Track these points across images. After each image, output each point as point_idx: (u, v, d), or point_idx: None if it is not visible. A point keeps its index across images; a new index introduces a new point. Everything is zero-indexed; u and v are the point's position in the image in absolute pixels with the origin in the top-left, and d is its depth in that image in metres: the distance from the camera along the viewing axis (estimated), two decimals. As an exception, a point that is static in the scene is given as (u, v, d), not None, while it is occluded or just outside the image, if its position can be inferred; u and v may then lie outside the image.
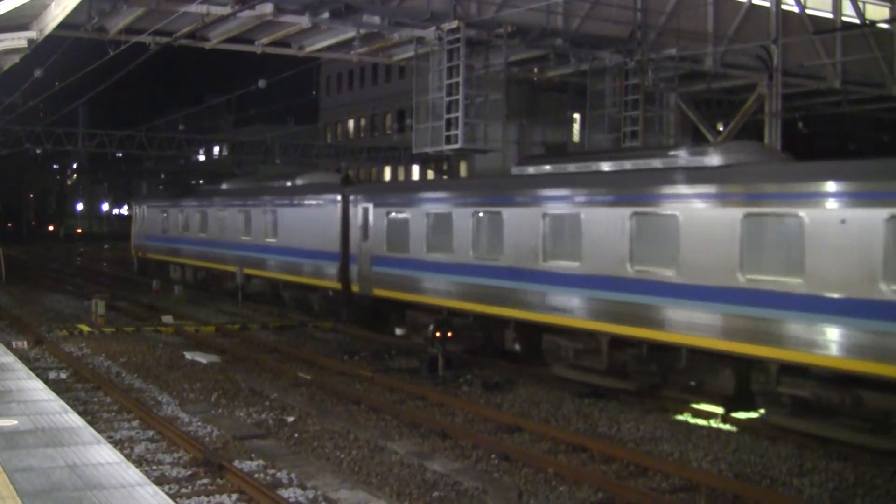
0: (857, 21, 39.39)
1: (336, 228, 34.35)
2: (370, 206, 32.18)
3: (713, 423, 19.81)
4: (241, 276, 39.54)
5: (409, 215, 29.98)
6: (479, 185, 30.18)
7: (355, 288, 32.86)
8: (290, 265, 37.79)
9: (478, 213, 26.97)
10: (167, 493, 11.27)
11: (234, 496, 14.25)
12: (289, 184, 41.05)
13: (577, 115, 73.28)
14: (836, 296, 17.09)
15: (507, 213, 25.68)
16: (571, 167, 25.23)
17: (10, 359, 20.32)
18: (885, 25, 39.09)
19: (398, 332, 30.94)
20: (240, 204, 43.60)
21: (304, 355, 28.33)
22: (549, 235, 24.23)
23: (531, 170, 26.60)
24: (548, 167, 26.16)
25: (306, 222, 36.80)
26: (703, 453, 17.45)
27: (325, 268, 35.08)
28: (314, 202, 36.66)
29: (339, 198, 34.55)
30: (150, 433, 18.26)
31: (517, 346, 25.66)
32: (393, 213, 31.09)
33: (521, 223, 25.10)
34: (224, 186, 48.87)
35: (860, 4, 39.47)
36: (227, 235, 44.15)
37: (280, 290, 39.60)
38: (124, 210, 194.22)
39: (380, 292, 31.30)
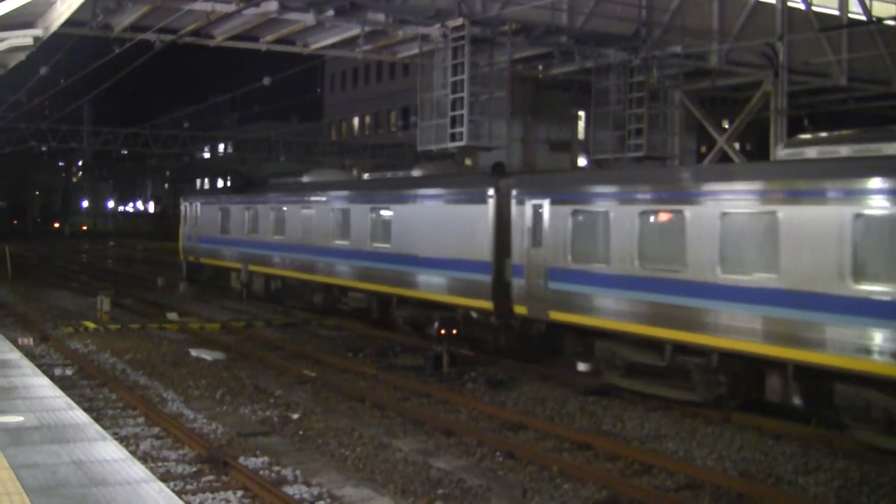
0: (863, 18, 39.36)
1: (486, 231, 26.65)
2: (545, 203, 24.82)
3: (718, 421, 19.78)
4: (246, 273, 39.50)
5: (614, 214, 22.58)
6: (732, 171, 24.22)
7: (520, 309, 25.24)
8: (408, 277, 29.91)
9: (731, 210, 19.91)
10: (172, 490, 11.28)
11: (239, 493, 14.25)
12: (401, 174, 33.58)
13: (581, 113, 73.26)
14: None
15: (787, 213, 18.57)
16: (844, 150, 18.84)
17: (16, 355, 20.34)
18: (891, 22, 39.00)
19: (582, 367, 24.83)
20: (333, 200, 35.10)
21: (309, 352, 28.33)
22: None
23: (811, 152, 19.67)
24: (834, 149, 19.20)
25: (436, 223, 29.04)
26: (707, 451, 17.44)
27: (466, 282, 27.31)
28: (449, 198, 28.95)
29: (491, 192, 26.73)
30: (156, 430, 18.26)
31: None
32: (582, 212, 23.83)
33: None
34: (307, 179, 39.50)
35: (866, 1, 39.43)
36: (316, 239, 35.73)
37: (392, 307, 31.60)
38: (129, 207, 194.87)
39: (560, 316, 23.91)
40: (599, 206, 23.32)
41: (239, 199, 43.82)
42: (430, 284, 29.03)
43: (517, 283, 25.36)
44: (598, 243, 23.05)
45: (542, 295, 24.46)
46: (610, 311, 22.40)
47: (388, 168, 34.21)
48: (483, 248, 26.72)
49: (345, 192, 34.89)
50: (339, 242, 34.07)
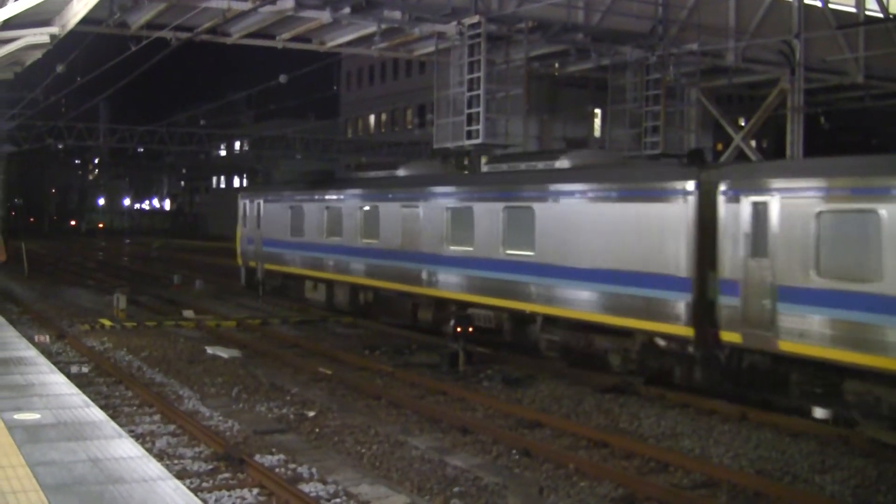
0: (880, 15, 39.23)
1: (682, 236, 21.35)
2: (772, 200, 19.57)
3: (734, 420, 19.72)
4: (262, 271, 39.50)
5: (886, 213, 17.38)
6: None
7: (730, 336, 20.17)
8: (560, 292, 24.50)
9: None
10: (188, 488, 11.27)
11: (255, 490, 14.26)
12: (541, 166, 27.15)
13: (598, 111, 73.22)
14: None
15: None
16: None
17: (33, 353, 20.38)
18: (908, 20, 38.92)
19: (820, 413, 19.79)
20: (447, 198, 29.19)
21: (325, 350, 28.34)
22: None
23: None
24: None
25: (602, 226, 23.44)
26: (724, 449, 17.39)
27: (650, 300, 21.94)
28: (624, 193, 23.28)
29: (689, 186, 21.28)
30: (172, 427, 18.29)
31: None
32: (839, 212, 18.43)
33: None
34: (404, 173, 33.22)
35: (883, -1, 39.34)
36: (424, 244, 29.80)
37: (533, 327, 25.82)
38: (145, 205, 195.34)
39: (796, 347, 18.77)
40: (870, 203, 17.82)
41: (316, 196, 37.17)
42: (594, 302, 23.48)
43: (726, 304, 20.26)
44: (864, 254, 17.86)
45: (768, 319, 19.29)
46: (877, 343, 17.35)
47: (543, 158, 27.60)
48: (677, 258, 21.35)
49: (465, 188, 28.91)
50: (457, 248, 28.29)
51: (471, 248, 27.66)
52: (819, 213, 18.47)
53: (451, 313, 27.57)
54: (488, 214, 27.17)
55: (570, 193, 24.55)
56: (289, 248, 38.67)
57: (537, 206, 25.32)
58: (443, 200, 29.19)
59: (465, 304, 27.71)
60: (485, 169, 30.09)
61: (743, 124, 46.81)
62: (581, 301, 23.77)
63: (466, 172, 34.36)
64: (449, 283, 28.64)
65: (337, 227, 34.90)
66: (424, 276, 29.64)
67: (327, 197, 36.16)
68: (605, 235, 23.16)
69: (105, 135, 72.25)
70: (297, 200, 38.64)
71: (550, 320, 24.96)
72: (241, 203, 44.57)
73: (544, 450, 16.96)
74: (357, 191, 34.17)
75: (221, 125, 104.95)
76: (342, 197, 35.03)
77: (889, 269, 17.11)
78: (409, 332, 31.23)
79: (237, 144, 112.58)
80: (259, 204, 42.17)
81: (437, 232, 29.18)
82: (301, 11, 30.08)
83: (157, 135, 71.40)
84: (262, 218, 41.77)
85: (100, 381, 22.88)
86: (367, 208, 33.24)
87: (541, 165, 26.92)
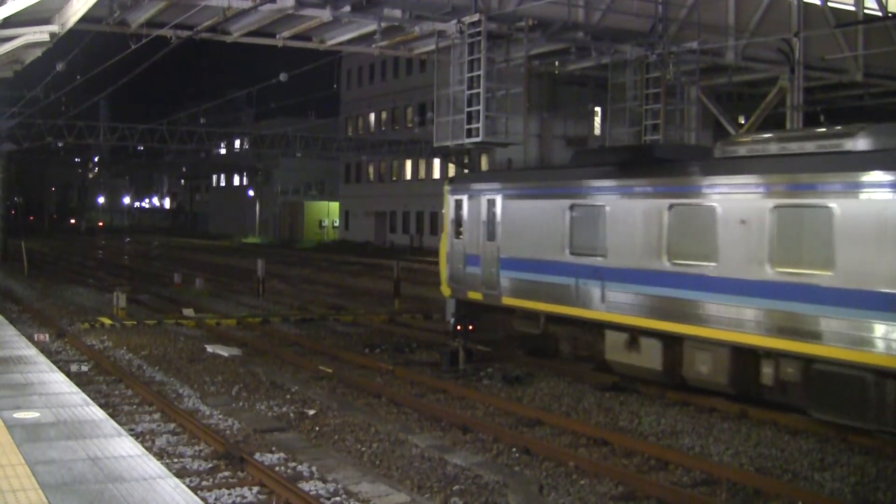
0: (879, 14, 39.22)
1: None
2: None
3: (734, 417, 19.73)
4: (263, 270, 39.41)
5: None
6: None
7: None
8: None
9: None
10: (188, 486, 11.29)
11: (255, 489, 14.26)
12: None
13: (598, 109, 73.24)
14: None
15: None
16: None
17: (32, 351, 20.41)
18: (907, 18, 38.90)
19: None
20: None
21: (325, 348, 28.37)
22: None
23: None
24: None
25: None
26: (724, 447, 17.41)
27: None
28: None
29: None
30: (172, 426, 18.29)
31: None
32: None
33: None
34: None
35: (882, -3, 39.33)
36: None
37: None
38: (145, 203, 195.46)
39: None
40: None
41: (637, 189, 22.66)
42: None
43: None
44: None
45: None
46: None
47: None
48: None
49: None
50: None
51: None
52: None
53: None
54: None
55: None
56: (565, 275, 24.16)
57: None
58: None
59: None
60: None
61: (743, 122, 46.79)
62: None
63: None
64: None
65: (701, 243, 20.61)
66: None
67: (675, 189, 21.63)
68: None
69: (105, 133, 72.16)
70: (586, 195, 24.09)
71: None
72: (450, 200, 29.44)
73: (544, 448, 16.97)
74: (764, 178, 19.62)
75: (221, 123, 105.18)
76: (726, 189, 20.27)
77: None
78: (409, 329, 31.18)
79: (237, 143, 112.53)
80: (494, 201, 27.29)
81: None
82: (301, 10, 30.06)
83: (157, 133, 71.37)
84: (500, 223, 26.98)
85: (99, 380, 22.89)
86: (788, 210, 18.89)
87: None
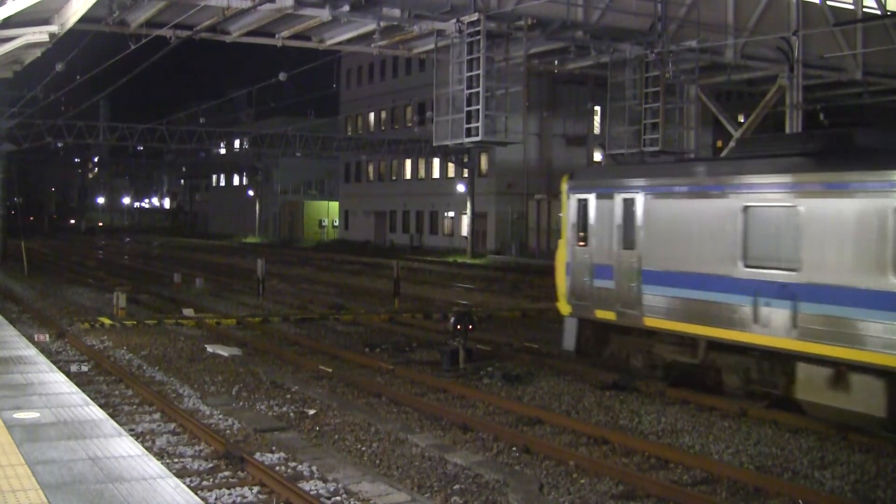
0: (878, 12, 39.25)
1: None
2: None
3: (734, 416, 19.74)
4: (263, 269, 39.41)
5: None
6: None
7: None
8: None
9: None
10: (188, 486, 11.30)
11: (256, 489, 14.26)
12: None
13: (597, 108, 73.37)
14: None
15: None
16: None
17: (32, 352, 20.42)
18: (906, 16, 38.90)
19: None
20: None
21: (325, 348, 28.36)
22: None
23: None
24: None
25: None
26: (724, 446, 17.42)
27: None
28: None
29: None
30: (172, 426, 18.29)
31: None
32: None
33: None
34: None
35: (880, -5, 39.34)
36: None
37: None
38: (145, 203, 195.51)
39: None
40: None
41: (829, 185, 18.60)
42: None
43: None
44: None
45: None
46: None
47: None
48: None
49: None
50: None
51: None
52: None
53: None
54: None
55: None
56: (737, 292, 19.92)
57: None
58: None
59: None
60: None
61: (742, 121, 46.82)
62: None
63: None
64: None
65: None
66: None
67: None
68: None
69: (105, 133, 72.23)
70: (769, 193, 19.68)
71: None
72: (570, 200, 24.84)
73: (545, 447, 16.97)
74: None
75: (221, 123, 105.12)
76: None
77: None
78: (410, 329, 31.23)
79: (237, 142, 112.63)
80: (633, 200, 22.78)
81: None
82: (300, 9, 30.07)
83: (156, 133, 71.48)
84: (642, 228, 22.50)
85: (99, 380, 22.89)
86: None
87: None
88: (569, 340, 24.29)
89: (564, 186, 24.90)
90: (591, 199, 23.80)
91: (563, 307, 24.57)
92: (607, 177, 24.84)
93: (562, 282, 24.55)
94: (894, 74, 40.88)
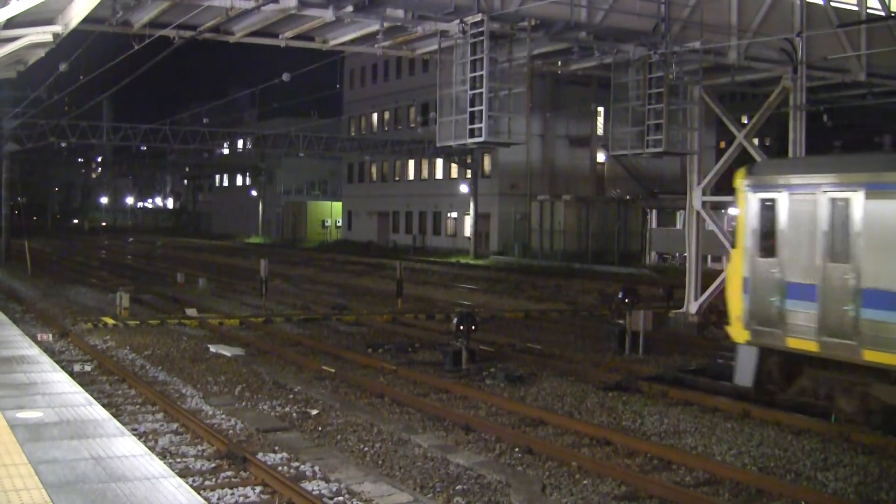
0: (882, 13, 39.20)
1: None
2: None
3: (737, 417, 19.72)
4: (266, 270, 39.33)
5: None
6: None
7: None
8: None
9: None
10: (191, 486, 11.30)
11: (258, 489, 14.27)
12: None
13: (601, 108, 73.29)
14: None
15: None
16: None
17: (35, 351, 20.43)
18: (910, 18, 38.85)
19: None
20: None
21: (328, 348, 28.37)
22: None
23: None
24: None
25: None
26: (727, 447, 17.41)
27: None
28: None
29: None
30: (174, 426, 18.30)
31: None
32: None
33: None
34: None
35: (885, -3, 39.29)
36: None
37: None
38: (148, 203, 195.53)
39: None
40: None
41: None
42: None
43: None
44: None
45: None
46: None
47: None
48: None
49: None
50: None
51: None
52: None
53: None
54: None
55: None
56: None
57: None
58: None
59: None
60: None
61: (746, 122, 46.79)
62: None
63: None
64: None
65: None
66: None
67: None
68: None
69: (108, 133, 72.30)
70: None
71: None
72: (749, 199, 20.58)
73: (547, 447, 16.98)
74: None
75: (224, 123, 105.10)
76: None
77: None
78: (412, 329, 31.26)
79: (240, 143, 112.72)
80: (847, 201, 18.36)
81: None
82: (304, 10, 30.04)
83: (160, 133, 71.53)
84: (861, 236, 18.06)
85: (102, 380, 22.91)
86: None
87: None
88: (744, 374, 20.30)
89: (741, 183, 20.73)
90: (782, 198, 19.62)
91: (738, 333, 20.46)
92: (806, 171, 20.12)
93: (737, 301, 20.45)
94: (898, 76, 40.85)
